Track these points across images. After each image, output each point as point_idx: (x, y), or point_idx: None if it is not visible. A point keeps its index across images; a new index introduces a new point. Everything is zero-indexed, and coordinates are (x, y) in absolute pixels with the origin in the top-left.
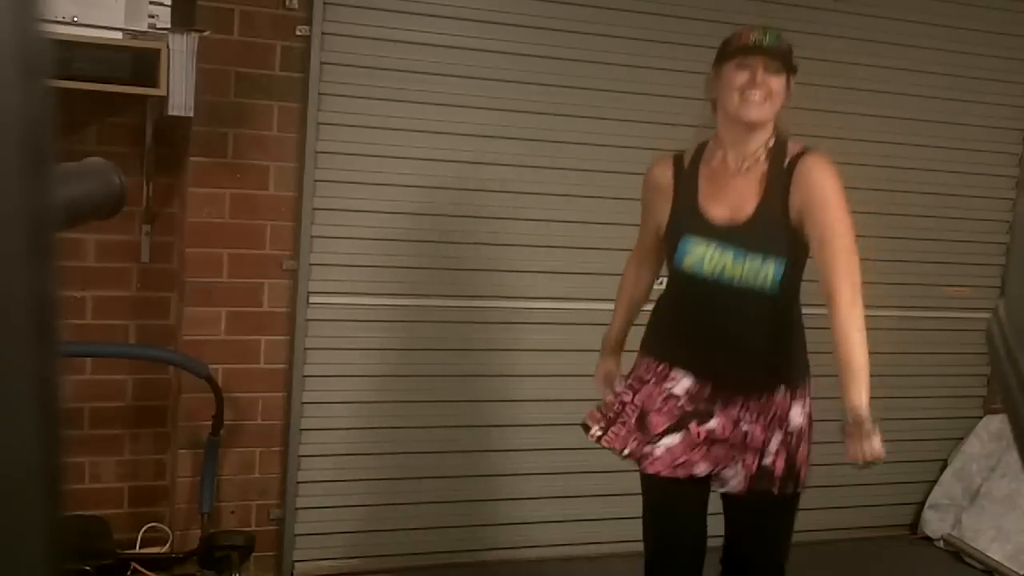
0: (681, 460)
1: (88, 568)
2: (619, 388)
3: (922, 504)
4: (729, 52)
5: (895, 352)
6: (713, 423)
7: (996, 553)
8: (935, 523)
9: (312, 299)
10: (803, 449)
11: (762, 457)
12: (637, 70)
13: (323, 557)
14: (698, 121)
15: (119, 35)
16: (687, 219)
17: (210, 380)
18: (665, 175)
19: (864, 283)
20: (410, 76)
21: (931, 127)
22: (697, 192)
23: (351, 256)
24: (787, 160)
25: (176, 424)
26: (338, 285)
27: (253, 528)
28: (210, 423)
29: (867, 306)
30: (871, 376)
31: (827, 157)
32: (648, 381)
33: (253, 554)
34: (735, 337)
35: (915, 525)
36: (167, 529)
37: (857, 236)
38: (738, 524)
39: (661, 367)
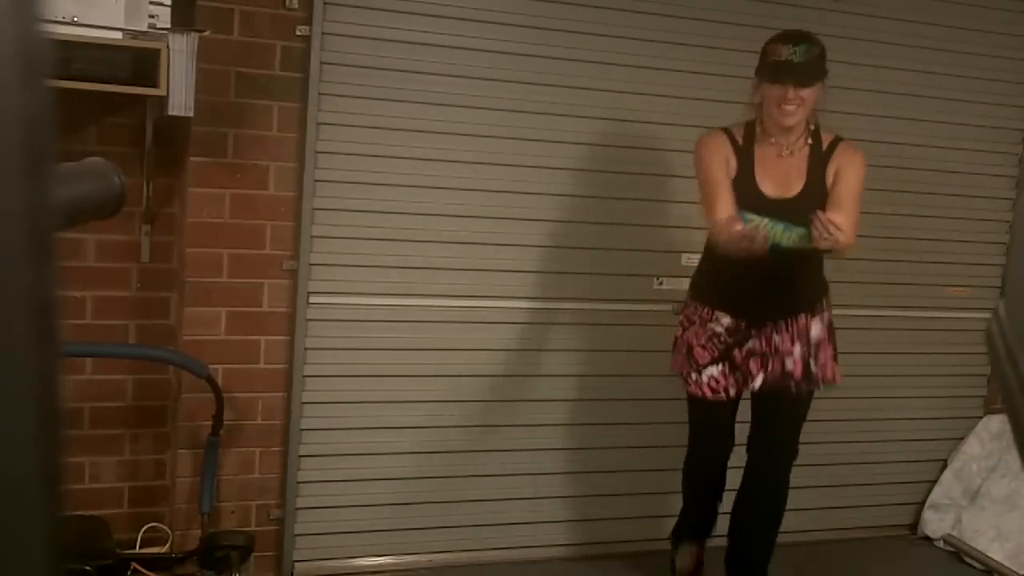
0: (723, 385)
1: (88, 568)
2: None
3: (922, 504)
4: (766, 70)
5: (895, 352)
6: (751, 343)
7: (996, 553)
8: (935, 523)
9: (312, 299)
10: (825, 352)
11: (784, 362)
12: (637, 70)
13: (323, 557)
14: (744, 110)
15: (119, 35)
16: (746, 194)
17: (210, 380)
18: (724, 146)
19: (857, 283)
20: (410, 76)
21: (931, 127)
22: (754, 171)
23: (351, 256)
24: (825, 145)
25: (176, 424)
26: (338, 285)
27: (253, 528)
28: (210, 423)
29: (868, 306)
30: (867, 376)
31: (854, 143)
32: (695, 322)
33: (253, 554)
34: (773, 282)
35: (915, 525)
36: (167, 529)
37: (857, 236)
38: (763, 414)
39: (705, 311)
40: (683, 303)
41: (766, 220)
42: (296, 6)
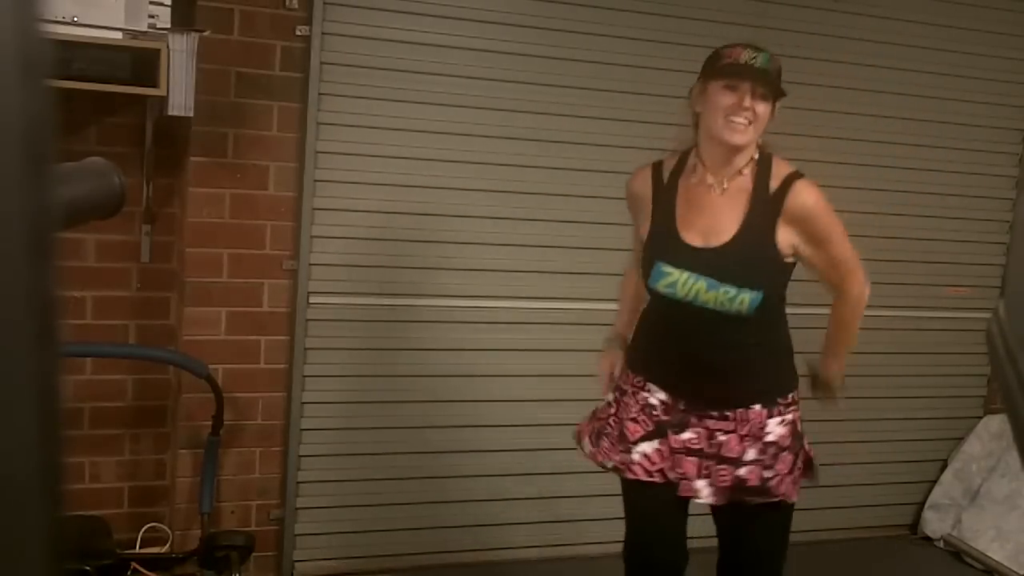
0: (658, 466)
1: (88, 568)
2: (609, 398)
3: (922, 504)
4: (718, 69)
5: (896, 352)
6: (689, 434)
7: (996, 553)
8: (935, 523)
9: (312, 299)
10: (785, 459)
11: (737, 468)
12: (637, 70)
13: (323, 557)
14: (677, 132)
15: (119, 35)
16: (662, 242)
17: (210, 380)
18: (644, 187)
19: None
20: (410, 76)
21: (931, 127)
22: (674, 212)
23: (351, 256)
24: (774, 184)
25: (176, 424)
26: (338, 285)
27: (253, 528)
28: (210, 423)
29: (868, 306)
30: (867, 376)
31: (815, 184)
32: (626, 392)
33: (253, 554)
34: (707, 359)
35: (915, 525)
36: (167, 529)
37: (857, 236)
38: (726, 533)
39: (637, 379)
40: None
41: (685, 274)
42: (296, 6)
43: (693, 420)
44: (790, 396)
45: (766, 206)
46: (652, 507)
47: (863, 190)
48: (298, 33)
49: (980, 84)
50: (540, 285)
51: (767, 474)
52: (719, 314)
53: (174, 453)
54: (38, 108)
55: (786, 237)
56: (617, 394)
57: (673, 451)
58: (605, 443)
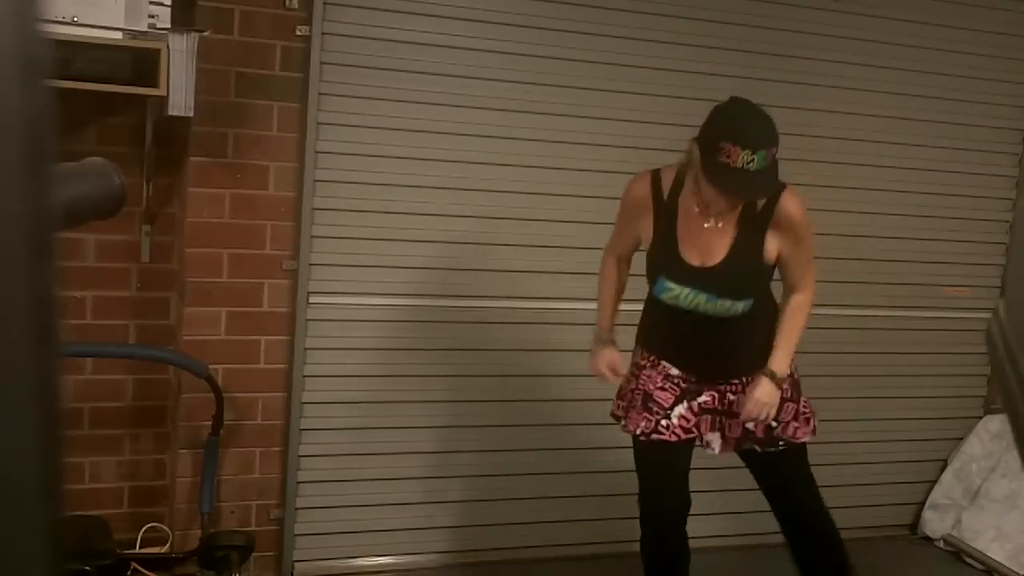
0: (692, 423)
1: (88, 568)
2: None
3: (922, 504)
4: (714, 165)
5: (896, 352)
6: (705, 397)
7: (996, 553)
8: (935, 523)
9: (312, 299)
10: (788, 408)
11: (745, 425)
12: (637, 70)
13: (323, 557)
14: (681, 157)
15: (119, 35)
16: (666, 260)
17: (210, 380)
18: (645, 196)
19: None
20: (410, 76)
21: (931, 127)
22: (676, 234)
23: (351, 256)
24: (761, 203)
25: (176, 424)
26: (338, 285)
27: (253, 528)
28: (210, 423)
29: (868, 306)
30: (866, 376)
31: (798, 195)
32: (644, 367)
33: (253, 554)
34: (712, 347)
35: (915, 525)
36: (167, 529)
37: (857, 236)
38: (765, 482)
39: (653, 356)
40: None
41: (687, 290)
42: (296, 6)
43: (706, 387)
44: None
45: (755, 220)
46: (667, 460)
47: (863, 190)
48: (298, 33)
49: (980, 84)
50: (540, 285)
51: (772, 424)
52: (719, 316)
53: (174, 453)
54: (38, 108)
55: (773, 244)
56: (635, 370)
57: (700, 411)
58: (632, 414)
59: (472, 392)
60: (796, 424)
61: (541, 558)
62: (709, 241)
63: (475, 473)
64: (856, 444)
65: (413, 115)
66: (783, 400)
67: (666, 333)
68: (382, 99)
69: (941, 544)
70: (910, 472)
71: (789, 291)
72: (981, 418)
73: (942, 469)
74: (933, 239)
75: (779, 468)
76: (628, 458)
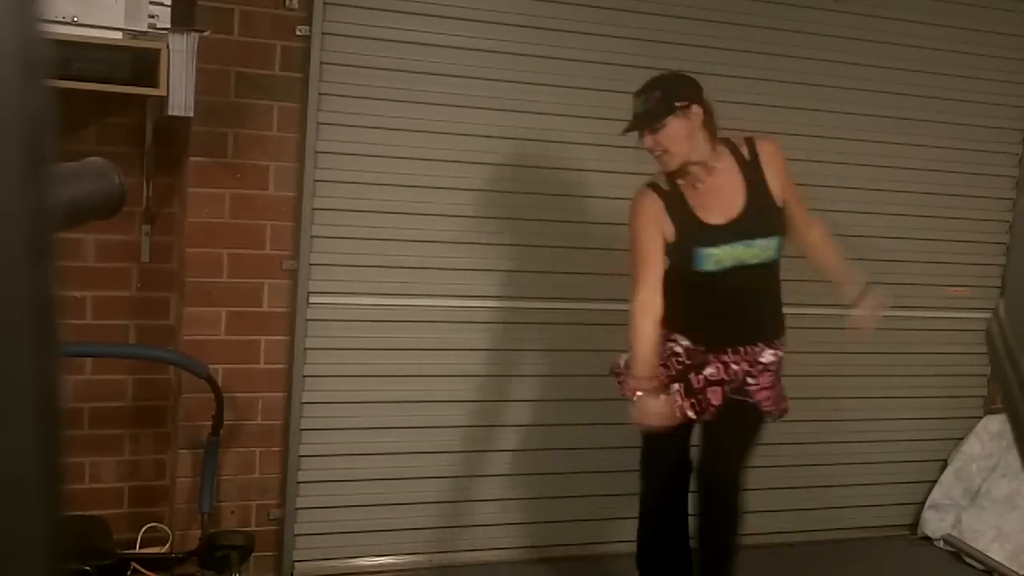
0: (676, 406)
1: (88, 568)
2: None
3: (922, 504)
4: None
5: (895, 352)
6: (710, 369)
7: (996, 553)
8: (935, 523)
9: (312, 299)
10: (766, 376)
11: (745, 390)
12: (637, 70)
13: (323, 557)
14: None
15: (119, 35)
16: (695, 234)
17: (210, 380)
18: (657, 206)
19: None
20: (410, 76)
21: (931, 127)
22: (692, 209)
23: (351, 256)
24: (746, 151)
25: (176, 424)
26: (338, 285)
27: (253, 528)
28: (210, 423)
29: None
30: (867, 376)
31: (767, 137)
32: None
33: (253, 554)
34: (736, 308)
35: (915, 525)
36: (167, 529)
37: (857, 236)
38: (708, 439)
39: (662, 333)
40: None
41: (725, 248)
42: (296, 6)
43: (711, 358)
44: (780, 340)
45: (752, 169)
46: (672, 440)
47: (863, 190)
48: (298, 33)
49: (980, 84)
50: (540, 285)
51: (750, 380)
52: (755, 267)
53: (174, 453)
54: (38, 108)
55: (774, 182)
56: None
57: (691, 391)
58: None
59: (472, 392)
60: (768, 394)
61: (541, 558)
62: (723, 199)
63: (475, 473)
64: (856, 444)
65: (413, 115)
66: (765, 369)
67: (688, 305)
68: (382, 99)
69: (941, 544)
70: (910, 472)
71: (804, 232)
72: (981, 418)
73: (942, 469)
74: (933, 239)
75: (727, 416)
76: (628, 458)
